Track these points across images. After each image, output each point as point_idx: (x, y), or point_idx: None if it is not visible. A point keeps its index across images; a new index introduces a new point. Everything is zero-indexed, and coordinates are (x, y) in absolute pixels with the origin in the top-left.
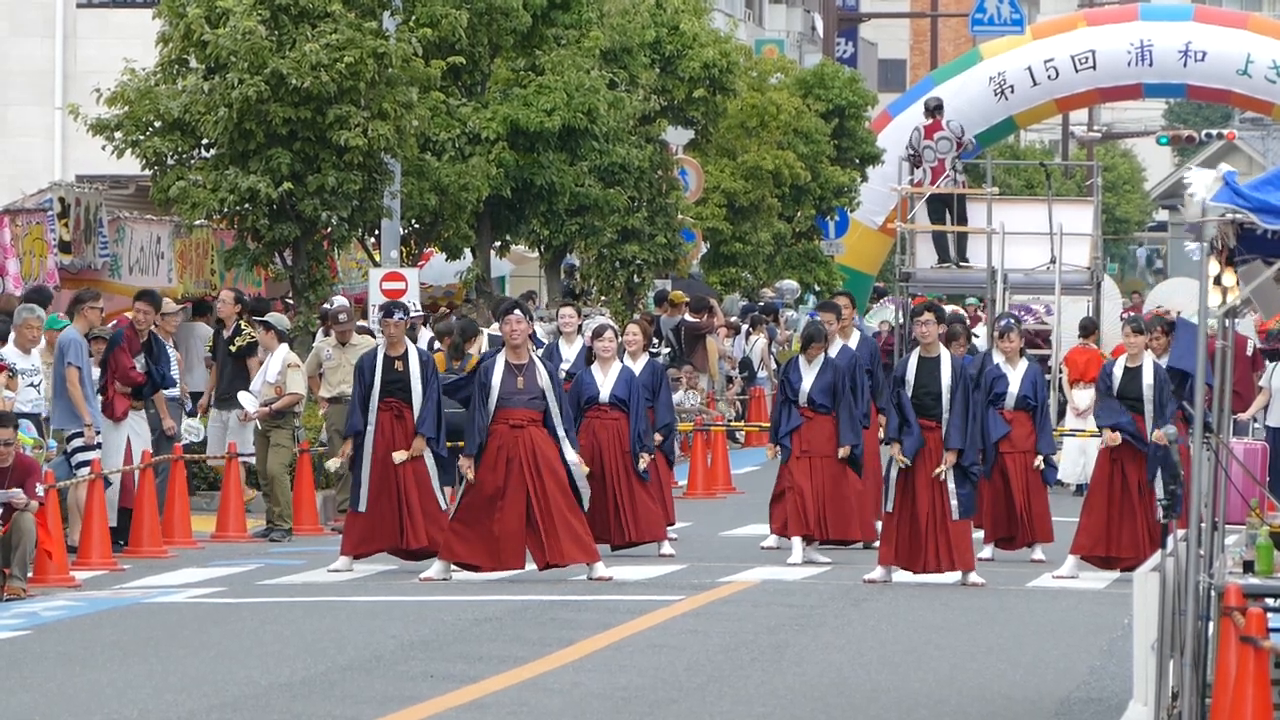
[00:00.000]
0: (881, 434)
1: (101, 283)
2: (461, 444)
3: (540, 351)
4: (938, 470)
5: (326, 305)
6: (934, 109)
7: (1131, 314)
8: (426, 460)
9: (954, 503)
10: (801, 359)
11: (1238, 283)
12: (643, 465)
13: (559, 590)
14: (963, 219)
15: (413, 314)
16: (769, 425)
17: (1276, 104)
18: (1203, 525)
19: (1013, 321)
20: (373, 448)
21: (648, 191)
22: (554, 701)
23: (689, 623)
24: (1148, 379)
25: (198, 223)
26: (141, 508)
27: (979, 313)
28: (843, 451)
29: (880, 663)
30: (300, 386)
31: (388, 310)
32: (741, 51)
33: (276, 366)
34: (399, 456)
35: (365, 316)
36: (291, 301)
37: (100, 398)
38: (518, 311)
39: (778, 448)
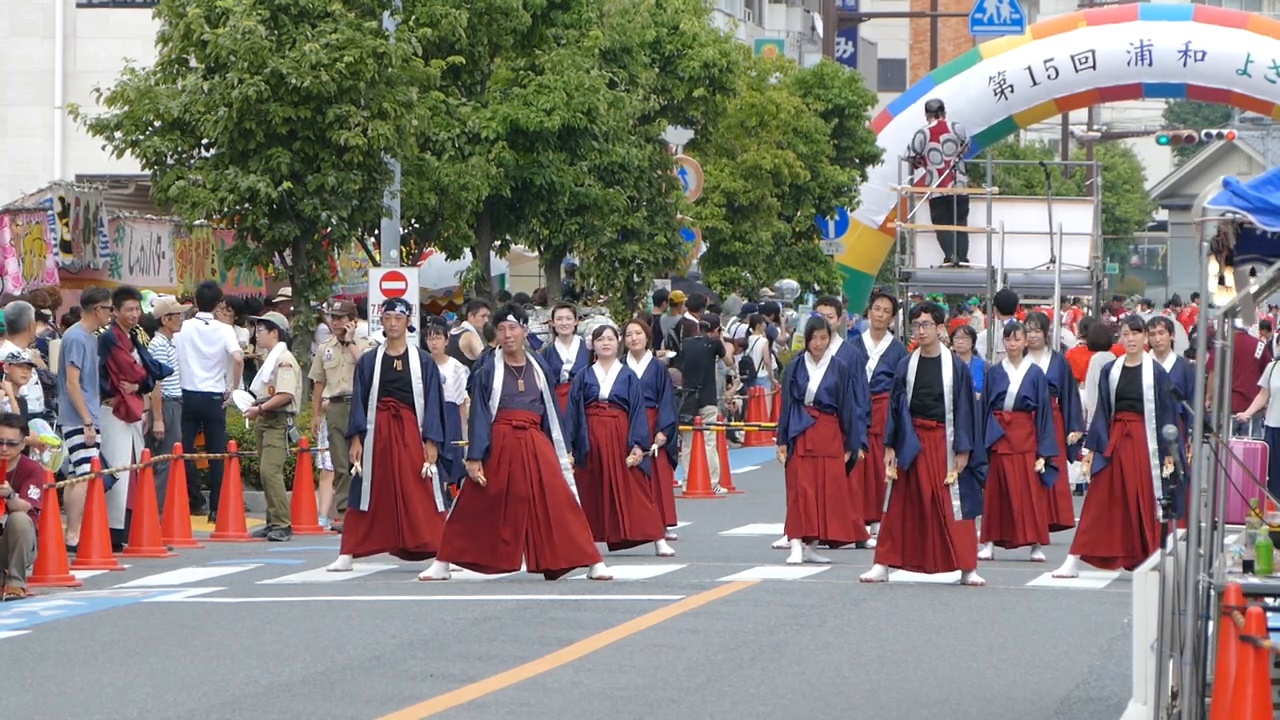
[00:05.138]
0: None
1: (102, 282)
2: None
3: (540, 350)
4: (948, 480)
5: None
6: (936, 110)
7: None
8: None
9: (957, 503)
10: (807, 357)
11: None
12: (631, 460)
13: (559, 590)
14: (964, 219)
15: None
16: (776, 425)
17: (1276, 104)
18: (1202, 524)
19: (1016, 321)
20: (371, 447)
21: (647, 191)
22: (554, 701)
23: (689, 622)
24: (1147, 379)
25: (198, 222)
26: (141, 508)
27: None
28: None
29: (880, 662)
30: (291, 386)
31: (389, 303)
32: (741, 51)
33: (270, 366)
34: (430, 470)
35: (365, 316)
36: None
37: (111, 400)
38: (511, 317)
39: (786, 449)
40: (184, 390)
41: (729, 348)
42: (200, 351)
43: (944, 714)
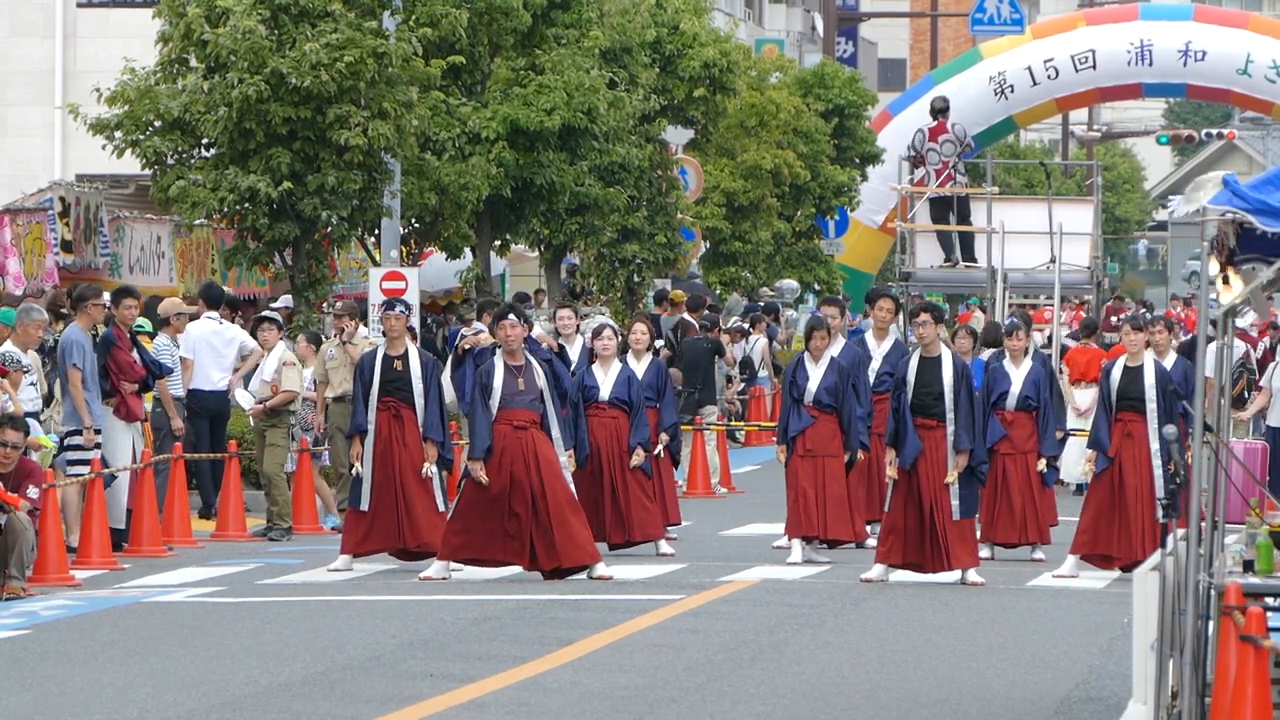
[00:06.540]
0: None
1: (102, 282)
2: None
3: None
4: (948, 479)
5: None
6: (940, 110)
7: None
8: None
9: (955, 503)
10: (807, 357)
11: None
12: (635, 461)
13: (559, 590)
14: (965, 219)
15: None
16: (776, 426)
17: (1276, 104)
18: (1203, 524)
19: (1018, 320)
20: (371, 447)
21: (647, 191)
22: (554, 701)
23: (689, 622)
24: (1149, 379)
25: (198, 222)
26: (141, 508)
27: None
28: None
29: (880, 662)
30: (295, 384)
31: (389, 303)
32: (741, 51)
33: (273, 364)
34: (430, 470)
35: (365, 317)
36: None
37: (112, 400)
38: (512, 316)
39: (786, 448)
40: (197, 390)
41: (726, 339)
42: (216, 350)
43: (944, 714)
